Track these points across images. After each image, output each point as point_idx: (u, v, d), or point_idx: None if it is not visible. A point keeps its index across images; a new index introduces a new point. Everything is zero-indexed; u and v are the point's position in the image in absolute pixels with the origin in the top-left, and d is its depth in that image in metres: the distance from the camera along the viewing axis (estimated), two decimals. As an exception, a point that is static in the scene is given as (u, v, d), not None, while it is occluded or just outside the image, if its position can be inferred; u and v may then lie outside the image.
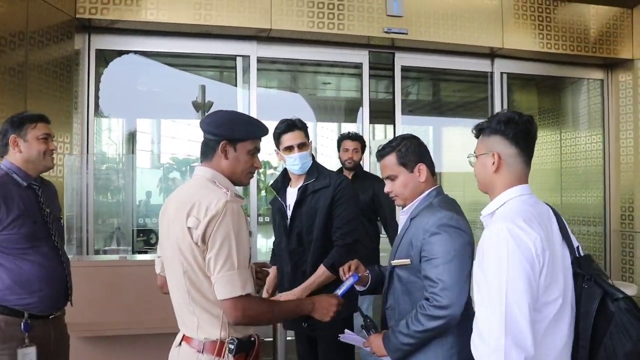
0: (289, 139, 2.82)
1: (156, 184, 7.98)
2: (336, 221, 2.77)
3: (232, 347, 1.85)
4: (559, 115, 7.76)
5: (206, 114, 7.72)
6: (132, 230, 5.98)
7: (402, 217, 2.24)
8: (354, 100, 10.09)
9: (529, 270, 1.56)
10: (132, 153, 7.55)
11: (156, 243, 7.97)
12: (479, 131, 1.88)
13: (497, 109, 6.23)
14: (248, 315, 1.83)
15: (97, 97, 5.32)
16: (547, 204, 1.87)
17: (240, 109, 5.46)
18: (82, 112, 5.02)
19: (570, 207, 7.34)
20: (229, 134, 1.95)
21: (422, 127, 11.93)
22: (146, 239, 8.07)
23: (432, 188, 2.20)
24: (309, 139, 2.89)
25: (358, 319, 2.46)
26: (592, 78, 6.83)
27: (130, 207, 6.46)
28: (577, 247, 1.78)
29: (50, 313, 2.65)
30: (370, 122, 5.92)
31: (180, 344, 1.97)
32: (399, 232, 2.25)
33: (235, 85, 5.70)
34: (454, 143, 10.52)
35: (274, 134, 2.87)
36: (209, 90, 7.49)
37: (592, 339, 1.62)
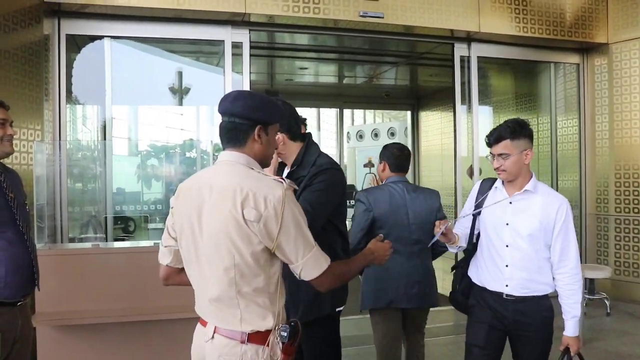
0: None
1: (134, 172, 7.87)
2: None
3: (284, 334, 1.83)
4: (535, 100, 7.81)
5: (183, 99, 7.63)
6: (105, 217, 5.91)
7: None
8: (332, 85, 10.09)
9: None
10: (108, 140, 7.42)
11: (134, 231, 7.89)
12: (508, 136, 2.58)
13: (474, 93, 6.25)
14: (335, 279, 1.93)
15: (69, 84, 5.22)
16: None
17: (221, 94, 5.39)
18: (53, 99, 4.92)
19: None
20: (266, 118, 1.90)
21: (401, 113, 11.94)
22: (124, 226, 7.98)
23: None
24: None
25: None
26: (568, 62, 6.87)
27: (105, 195, 6.39)
28: None
29: (17, 300, 2.62)
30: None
31: (212, 337, 1.86)
32: None
33: (216, 70, 5.59)
34: (431, 128, 10.56)
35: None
36: (186, 76, 7.40)
37: None
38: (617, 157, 6.47)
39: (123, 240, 6.81)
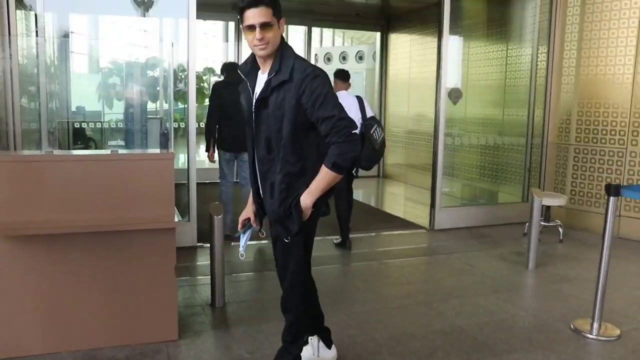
0: (251, 15, 2.37)
1: (95, 90, 7.57)
2: (322, 127, 2.38)
3: None
4: (505, 30, 7.73)
5: (147, 11, 7.26)
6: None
7: None
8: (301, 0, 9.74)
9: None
10: (66, 54, 7.06)
11: (96, 148, 7.72)
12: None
13: (446, 13, 6.12)
14: None
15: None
16: (357, 95, 5.07)
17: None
18: None
19: (512, 122, 7.51)
20: None
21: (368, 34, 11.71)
22: (84, 146, 7.76)
23: None
24: (279, 18, 2.43)
25: None
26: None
27: (64, 108, 6.17)
28: (372, 115, 5.00)
29: None
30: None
31: None
32: None
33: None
34: (401, 53, 10.41)
35: (238, 9, 2.43)
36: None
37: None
38: (582, 89, 6.50)
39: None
